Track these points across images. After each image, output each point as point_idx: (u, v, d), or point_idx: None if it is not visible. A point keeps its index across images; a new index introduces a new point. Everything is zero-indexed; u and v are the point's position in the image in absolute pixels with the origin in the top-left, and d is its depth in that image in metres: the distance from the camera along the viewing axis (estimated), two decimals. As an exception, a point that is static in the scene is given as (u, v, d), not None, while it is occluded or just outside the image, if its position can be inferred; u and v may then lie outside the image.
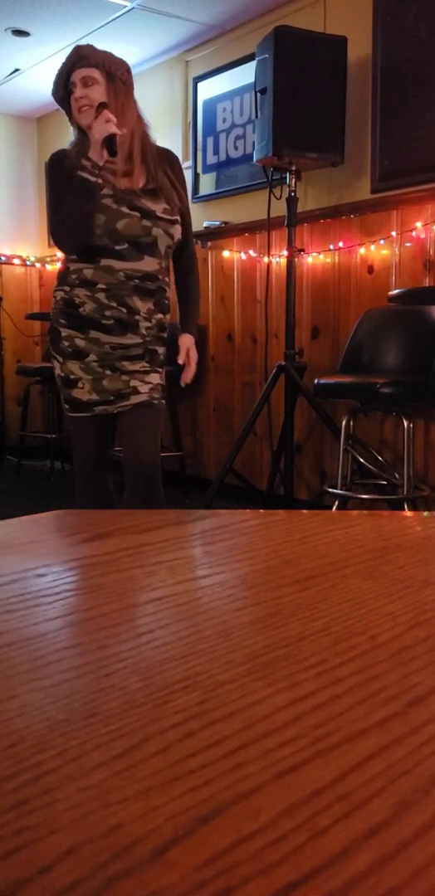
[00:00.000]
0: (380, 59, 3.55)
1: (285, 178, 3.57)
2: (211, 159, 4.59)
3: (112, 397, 2.30)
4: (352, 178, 3.73)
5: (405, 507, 3.17)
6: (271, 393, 3.59)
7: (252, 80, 3.55)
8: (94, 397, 2.30)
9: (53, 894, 0.32)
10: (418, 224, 3.45)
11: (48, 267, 6.05)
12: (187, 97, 4.73)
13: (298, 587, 0.72)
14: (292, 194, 3.54)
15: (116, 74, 2.27)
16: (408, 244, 3.51)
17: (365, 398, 3.20)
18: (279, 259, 4.00)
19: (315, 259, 3.94)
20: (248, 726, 0.46)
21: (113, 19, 4.28)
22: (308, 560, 0.82)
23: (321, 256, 3.91)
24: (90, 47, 2.28)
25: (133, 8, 4.13)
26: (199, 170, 4.64)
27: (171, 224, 2.29)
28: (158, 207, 2.27)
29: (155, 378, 2.35)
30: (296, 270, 3.65)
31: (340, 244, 3.80)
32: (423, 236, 3.45)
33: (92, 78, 2.24)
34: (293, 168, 3.50)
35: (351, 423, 3.36)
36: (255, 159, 3.59)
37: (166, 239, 2.29)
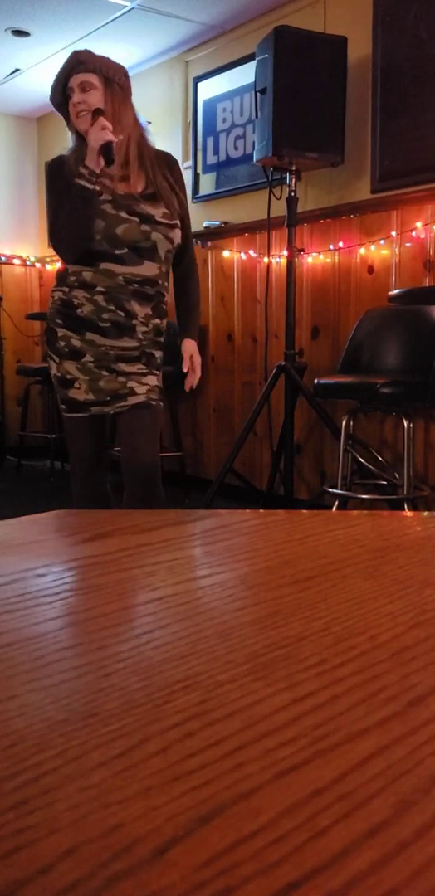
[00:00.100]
0: (380, 59, 3.55)
1: (285, 178, 3.57)
2: (211, 159, 4.59)
3: (108, 398, 2.30)
4: (352, 178, 3.73)
5: (405, 507, 3.17)
6: (271, 393, 3.60)
7: (252, 80, 3.55)
8: (90, 397, 2.30)
9: (53, 894, 0.32)
10: (418, 224, 3.45)
11: (48, 267, 6.05)
12: (187, 97, 4.73)
13: (298, 587, 0.72)
14: (292, 194, 3.54)
15: (114, 79, 2.27)
16: (408, 244, 3.51)
17: (365, 398, 3.20)
18: (279, 259, 4.00)
19: (315, 259, 3.94)
20: (248, 726, 0.46)
21: (113, 19, 4.28)
22: (308, 560, 0.82)
23: (321, 256, 3.91)
24: (88, 52, 2.28)
25: (133, 8, 4.13)
26: (199, 170, 4.64)
27: (170, 228, 2.29)
28: (158, 212, 2.26)
29: (152, 380, 2.35)
30: (296, 270, 3.65)
31: (340, 244, 3.80)
32: (423, 236, 3.45)
33: (89, 83, 2.24)
34: (293, 168, 3.50)
35: (351, 423, 3.36)
36: (255, 159, 3.59)
37: (166, 243, 2.29)
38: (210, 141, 4.59)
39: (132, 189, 2.27)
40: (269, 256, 3.89)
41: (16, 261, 6.08)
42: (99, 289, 2.25)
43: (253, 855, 0.34)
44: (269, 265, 3.95)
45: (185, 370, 2.45)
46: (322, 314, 3.93)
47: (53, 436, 5.41)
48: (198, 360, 2.47)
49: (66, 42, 4.52)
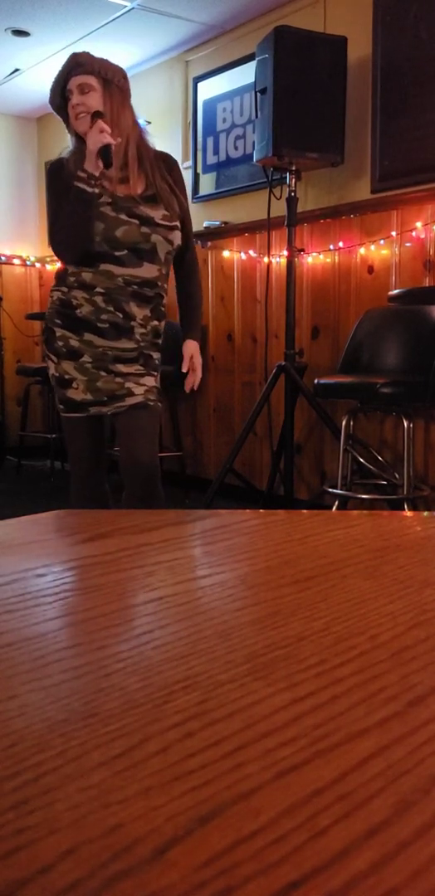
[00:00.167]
0: (380, 59, 3.55)
1: (285, 178, 3.57)
2: (211, 159, 4.59)
3: (106, 398, 2.30)
4: (352, 178, 3.73)
5: (405, 507, 3.17)
6: (271, 393, 3.60)
7: (252, 80, 3.55)
8: (88, 397, 2.30)
9: (53, 894, 0.32)
10: (418, 224, 3.45)
11: (48, 267, 6.05)
12: (187, 97, 4.73)
13: (298, 587, 0.72)
14: (292, 194, 3.54)
15: (113, 81, 2.27)
16: (408, 244, 3.51)
17: (365, 398, 3.20)
18: (279, 259, 4.00)
19: (315, 259, 3.94)
20: (248, 726, 0.46)
21: (113, 19, 4.28)
22: (308, 560, 0.82)
23: (321, 256, 3.91)
24: (87, 54, 2.28)
25: (133, 8, 4.13)
26: (200, 170, 4.64)
27: (170, 230, 2.29)
28: (157, 214, 2.26)
29: (150, 381, 2.35)
30: (296, 270, 3.65)
31: (340, 244, 3.80)
32: (423, 236, 3.45)
33: (88, 85, 2.24)
34: (293, 168, 3.50)
35: (351, 423, 3.36)
36: (255, 159, 3.59)
37: (166, 245, 2.29)
38: (210, 141, 4.59)
39: (132, 191, 2.27)
40: (269, 256, 3.89)
41: (16, 261, 6.08)
42: (98, 290, 2.25)
43: (253, 855, 0.34)
44: (269, 265, 3.95)
45: (184, 371, 2.45)
46: (322, 314, 3.93)
47: (53, 436, 5.41)
48: (198, 360, 2.46)
49: (66, 42, 4.52)
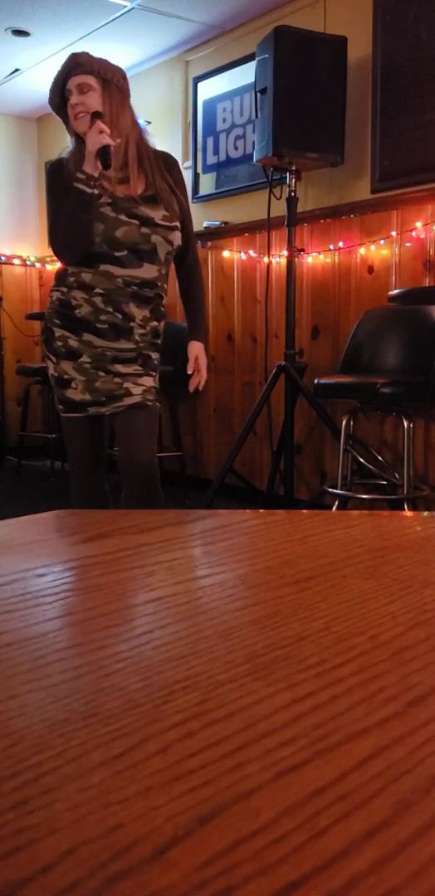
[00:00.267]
0: (380, 59, 3.55)
1: (285, 178, 3.57)
2: (211, 159, 4.59)
3: (104, 398, 2.30)
4: (352, 178, 3.73)
5: (405, 507, 3.17)
6: (271, 393, 3.60)
7: (252, 80, 3.55)
8: (87, 398, 2.30)
9: (53, 894, 0.32)
10: (418, 224, 3.45)
11: (48, 267, 6.05)
12: (187, 97, 4.73)
13: (298, 587, 0.72)
14: (292, 194, 3.54)
15: (112, 81, 2.27)
16: (408, 244, 3.51)
17: (365, 398, 3.20)
18: (279, 259, 4.00)
19: (315, 259, 3.94)
20: (248, 726, 0.46)
21: (113, 19, 4.28)
22: (308, 560, 0.82)
23: (321, 256, 3.91)
24: (86, 54, 2.28)
25: (133, 8, 4.13)
26: (199, 170, 4.64)
27: (170, 231, 2.29)
28: (157, 214, 2.26)
29: (148, 381, 2.35)
30: (296, 270, 3.65)
31: (340, 244, 3.80)
32: (423, 236, 3.45)
33: (88, 85, 2.24)
34: (293, 168, 3.50)
35: (351, 423, 3.36)
36: (255, 159, 3.59)
37: (166, 246, 2.29)
38: (210, 141, 4.59)
39: (132, 191, 2.27)
40: (269, 256, 3.89)
41: (16, 261, 6.08)
42: (97, 290, 2.25)
43: (253, 855, 0.34)
44: (269, 265, 3.95)
45: (190, 372, 2.45)
46: (322, 314, 3.93)
47: (53, 436, 5.40)
48: (204, 361, 2.46)
49: (66, 42, 4.52)
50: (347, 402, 3.45)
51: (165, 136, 4.67)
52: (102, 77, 2.25)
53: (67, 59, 2.28)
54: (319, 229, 3.91)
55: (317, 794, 0.39)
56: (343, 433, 3.28)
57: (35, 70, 5.00)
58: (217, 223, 4.45)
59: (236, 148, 4.43)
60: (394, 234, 3.56)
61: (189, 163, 4.62)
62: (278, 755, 0.43)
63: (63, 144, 2.41)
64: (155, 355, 2.39)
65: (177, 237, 2.33)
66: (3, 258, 6.01)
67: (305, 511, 1.13)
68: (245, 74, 4.20)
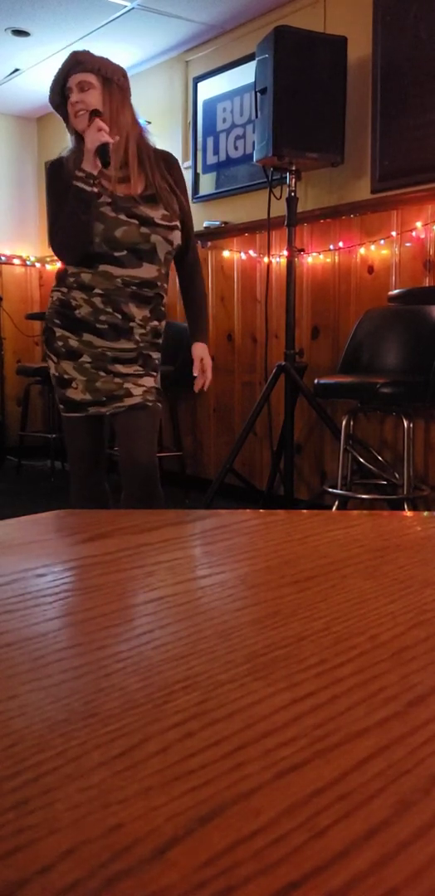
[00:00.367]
0: (380, 59, 3.55)
1: (285, 178, 3.57)
2: (211, 159, 4.59)
3: (105, 398, 2.30)
4: (352, 178, 3.73)
5: (405, 507, 3.17)
6: (271, 393, 3.60)
7: (252, 80, 3.55)
8: (87, 397, 2.30)
9: (53, 894, 0.32)
10: (418, 224, 3.45)
11: (48, 267, 6.05)
12: (187, 97, 4.73)
13: (298, 587, 0.72)
14: (292, 194, 3.54)
15: (113, 79, 2.26)
16: (408, 244, 3.51)
17: (365, 398, 3.20)
18: (279, 259, 4.00)
19: (315, 259, 3.94)
20: (248, 726, 0.46)
21: (113, 19, 4.28)
22: (308, 560, 0.82)
23: (321, 256, 3.91)
24: (87, 52, 2.28)
25: (133, 8, 4.13)
26: (200, 170, 4.64)
27: (169, 230, 2.29)
28: (157, 214, 2.26)
29: (149, 381, 2.35)
30: (296, 270, 3.65)
31: (340, 244, 3.80)
32: (423, 236, 3.45)
33: (88, 83, 2.23)
34: (293, 168, 3.50)
35: (351, 423, 3.36)
36: (255, 159, 3.59)
37: (166, 245, 2.29)
38: (210, 141, 4.59)
39: (132, 191, 2.27)
40: (269, 256, 3.89)
41: (16, 261, 6.08)
42: (97, 291, 2.25)
43: (253, 855, 0.34)
44: (269, 265, 3.95)
45: (195, 374, 2.44)
46: (322, 314, 3.93)
47: (53, 436, 5.41)
48: (208, 363, 2.46)
49: (66, 42, 4.52)
50: (347, 402, 3.45)
51: (165, 136, 4.67)
52: (103, 75, 2.25)
53: (68, 57, 2.28)
54: (319, 229, 3.91)
55: (317, 794, 0.39)
56: (343, 433, 3.28)
57: (35, 70, 5.00)
58: (217, 223, 4.45)
59: (236, 148, 4.43)
60: (394, 234, 3.56)
61: (189, 163, 4.62)
62: (278, 755, 0.43)
63: (63, 144, 2.40)
64: (156, 355, 2.38)
65: (177, 237, 2.32)
66: (3, 258, 6.01)
67: (305, 511, 1.13)
68: (245, 74, 4.20)
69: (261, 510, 1.12)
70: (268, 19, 4.05)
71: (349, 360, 3.43)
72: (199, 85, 4.62)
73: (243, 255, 4.34)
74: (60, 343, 2.30)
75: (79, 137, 2.28)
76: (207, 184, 4.61)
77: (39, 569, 0.80)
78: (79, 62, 2.24)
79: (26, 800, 0.39)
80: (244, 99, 4.33)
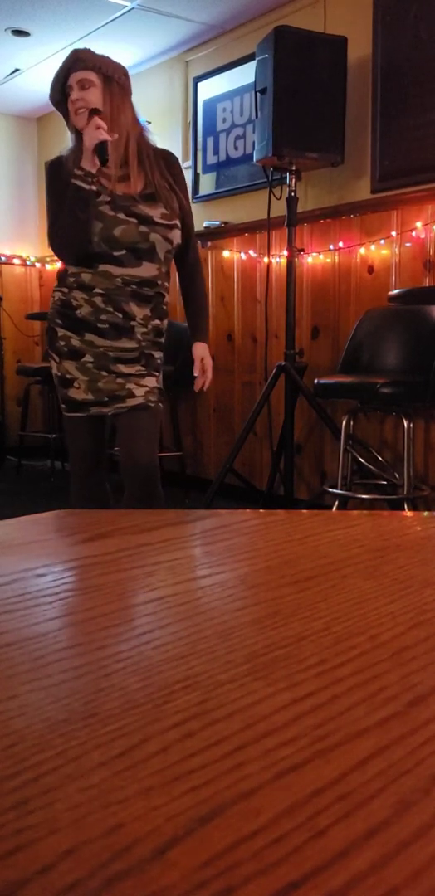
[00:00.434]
0: (380, 59, 3.55)
1: (285, 178, 3.57)
2: (211, 159, 4.59)
3: (107, 398, 2.30)
4: (352, 178, 3.73)
5: (405, 507, 3.17)
6: (271, 393, 3.60)
7: (252, 80, 3.55)
8: (89, 397, 2.30)
9: (53, 894, 0.32)
10: (418, 224, 3.45)
11: (48, 267, 6.05)
12: (187, 97, 4.73)
13: (298, 587, 0.72)
14: (292, 194, 3.54)
15: (113, 78, 2.26)
16: (408, 244, 3.51)
17: (365, 398, 3.20)
18: (279, 259, 4.00)
19: (315, 259, 3.94)
20: (248, 726, 0.46)
21: (113, 19, 4.28)
22: (308, 560, 0.82)
23: (321, 256, 3.91)
24: (87, 51, 2.28)
25: (133, 8, 4.13)
26: (200, 170, 4.64)
27: (169, 229, 2.29)
28: (156, 213, 2.26)
29: (151, 381, 2.35)
30: (296, 270, 3.65)
31: (340, 244, 3.80)
32: (423, 236, 3.45)
33: (89, 81, 2.23)
34: (293, 168, 3.50)
35: (351, 423, 3.36)
36: (255, 159, 3.59)
37: (165, 244, 2.29)
38: (210, 141, 4.59)
39: (131, 189, 2.27)
40: (269, 256, 3.89)
41: (16, 261, 6.08)
42: (97, 290, 2.25)
43: (253, 855, 0.34)
44: (269, 265, 3.95)
45: (196, 374, 2.44)
46: (322, 314, 3.93)
47: (53, 436, 5.41)
48: (209, 362, 2.46)
49: (66, 42, 4.52)
50: (347, 402, 3.45)
51: (165, 136, 4.67)
52: (104, 73, 2.25)
53: (69, 54, 2.28)
54: (319, 229, 3.91)
55: (317, 794, 0.39)
56: (343, 433, 3.28)
57: (35, 70, 5.00)
58: (217, 223, 4.45)
59: (236, 148, 4.43)
60: (394, 234, 3.56)
61: (189, 163, 4.61)
62: (278, 755, 0.43)
63: (63, 144, 2.40)
64: (158, 354, 2.38)
65: (176, 235, 2.32)
66: (3, 258, 6.01)
67: (305, 511, 1.13)
68: (245, 74, 4.20)
69: (261, 510, 1.12)
70: (268, 19, 4.05)
71: (349, 360, 3.43)
72: (199, 85, 4.62)
73: (243, 255, 4.34)
74: (63, 343, 2.30)
75: (79, 135, 2.28)
76: (207, 184, 4.61)
77: (39, 569, 0.80)
78: (80, 60, 2.24)
79: (26, 800, 0.39)
80: (244, 99, 4.33)
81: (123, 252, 2.23)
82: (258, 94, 3.46)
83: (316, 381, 3.21)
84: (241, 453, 3.77)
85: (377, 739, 0.45)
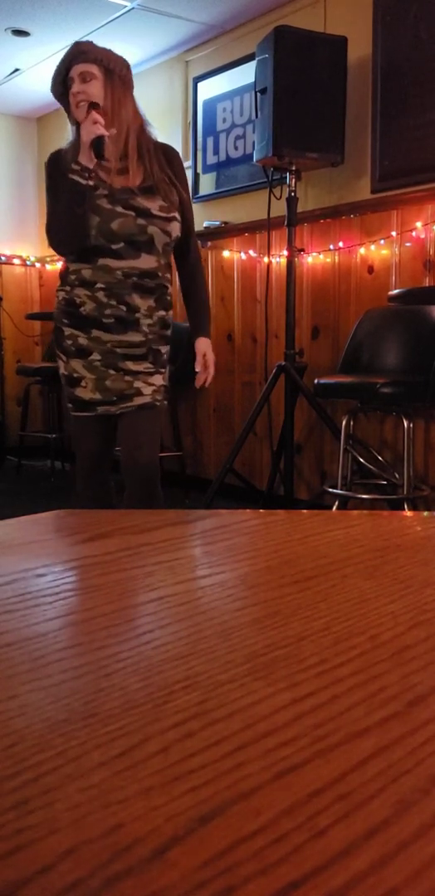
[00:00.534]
0: (380, 59, 3.55)
1: (285, 178, 3.57)
2: (211, 159, 4.59)
3: (115, 398, 2.30)
4: (352, 178, 3.73)
5: (405, 507, 3.17)
6: (271, 393, 3.59)
7: (252, 80, 3.55)
8: (96, 396, 2.30)
9: (53, 894, 0.32)
10: (418, 224, 3.45)
11: (48, 267, 6.05)
12: (187, 97, 4.73)
13: (298, 587, 0.72)
14: (292, 194, 3.54)
15: (115, 71, 2.26)
16: (408, 244, 3.51)
17: (365, 398, 3.20)
18: (279, 259, 4.00)
19: (315, 259, 3.94)
20: (248, 726, 0.46)
21: (113, 19, 4.28)
22: (308, 560, 0.82)
23: (321, 256, 3.91)
24: (90, 43, 2.27)
25: (133, 8, 4.13)
26: (199, 170, 4.64)
27: (167, 222, 2.28)
28: (154, 205, 2.26)
29: (158, 380, 2.34)
30: (296, 270, 3.65)
31: (340, 244, 3.80)
32: (423, 236, 3.45)
33: (90, 73, 2.23)
34: (293, 168, 3.50)
35: (351, 423, 3.36)
36: (255, 159, 3.59)
37: (163, 237, 2.28)
38: (210, 141, 4.59)
39: (130, 183, 2.27)
40: (269, 256, 3.89)
41: (16, 261, 6.08)
42: (99, 285, 2.25)
43: (253, 855, 0.34)
44: (269, 265, 3.95)
45: (198, 369, 2.43)
46: (322, 314, 3.93)
47: (53, 436, 5.41)
48: (211, 358, 2.45)
49: (66, 42, 4.49)
50: (347, 402, 3.45)
51: (165, 136, 4.64)
52: (105, 66, 2.24)
53: (71, 46, 2.27)
54: (319, 229, 3.91)
55: (317, 794, 0.39)
56: (343, 433, 3.28)
57: (35, 70, 5.00)
58: (217, 223, 4.45)
59: (236, 148, 4.43)
60: (394, 234, 3.56)
61: (189, 163, 4.61)
62: (278, 755, 0.43)
63: (63, 145, 2.40)
64: (165, 349, 2.38)
65: (175, 228, 2.31)
66: (3, 258, 6.01)
67: (305, 511, 1.13)
68: (245, 74, 4.20)
69: (261, 510, 1.12)
70: (268, 19, 4.05)
71: (349, 360, 3.43)
72: (199, 85, 4.62)
73: (243, 255, 4.34)
74: (70, 342, 2.30)
75: (79, 128, 2.28)
76: (207, 184, 4.61)
77: (39, 569, 0.80)
78: (82, 52, 2.24)
79: (26, 800, 0.39)
80: (244, 99, 4.33)
81: (121, 245, 2.23)
82: (258, 94, 3.46)
83: (316, 381, 3.21)
84: (241, 453, 3.77)
85: (377, 739, 0.45)
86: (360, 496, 3.36)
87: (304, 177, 3.66)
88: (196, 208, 4.32)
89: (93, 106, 2.21)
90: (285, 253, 3.63)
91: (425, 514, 1.11)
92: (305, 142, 3.40)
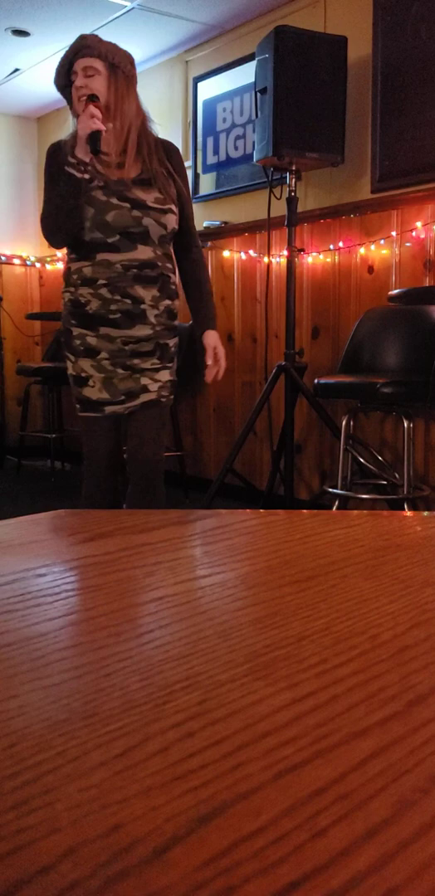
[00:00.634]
0: (380, 59, 3.55)
1: (285, 178, 3.57)
2: (211, 159, 4.59)
3: (123, 397, 2.30)
4: (352, 178, 3.73)
5: (405, 507, 3.17)
6: (271, 393, 3.59)
7: (252, 80, 3.55)
8: (104, 396, 2.30)
9: (53, 894, 0.32)
10: (418, 224, 3.45)
11: (48, 267, 6.05)
12: (187, 97, 4.73)
13: (298, 587, 0.72)
14: (292, 194, 3.54)
15: (119, 66, 2.26)
16: (408, 244, 3.51)
17: (365, 398, 3.20)
18: (279, 259, 4.00)
19: (315, 259, 3.94)
20: (248, 726, 0.46)
21: (113, 19, 4.28)
22: (308, 560, 0.82)
23: (321, 256, 3.91)
24: (95, 37, 2.27)
25: (133, 8, 4.13)
26: (200, 170, 4.64)
27: (162, 214, 2.28)
28: (149, 197, 2.25)
29: (165, 375, 2.34)
30: (296, 270, 3.65)
31: (340, 244, 3.80)
32: (423, 236, 3.45)
33: (94, 68, 2.23)
34: (293, 168, 3.50)
35: (351, 423, 3.36)
36: (255, 159, 3.59)
37: (159, 229, 2.28)
38: (210, 141, 4.59)
39: (126, 175, 2.27)
40: (269, 256, 3.89)
41: (16, 261, 6.08)
42: (101, 281, 2.25)
43: (253, 855, 0.34)
44: (269, 265, 3.95)
45: (209, 362, 2.40)
46: (322, 314, 3.93)
47: (53, 436, 5.41)
48: (221, 351, 2.42)
49: (66, 42, 4.49)
50: (348, 402, 3.45)
51: (165, 136, 4.64)
52: (109, 61, 2.24)
53: (76, 39, 2.27)
54: (319, 229, 3.91)
55: (317, 794, 0.39)
56: (343, 433, 3.28)
57: (35, 70, 5.00)
58: (217, 223, 4.45)
59: (236, 148, 4.43)
60: (394, 234, 3.56)
61: (189, 163, 4.62)
62: (278, 755, 0.43)
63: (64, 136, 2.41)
64: (172, 342, 2.37)
65: (170, 220, 2.31)
66: (3, 258, 6.01)
67: (305, 511, 1.13)
68: (245, 74, 4.20)
69: (261, 510, 1.12)
70: (268, 19, 4.05)
71: (349, 360, 3.43)
72: (200, 85, 4.62)
73: (243, 255, 4.34)
74: (78, 342, 2.30)
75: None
76: (207, 184, 4.61)
77: (39, 569, 0.80)
78: (87, 46, 2.24)
79: (26, 800, 0.39)
80: (244, 99, 4.33)
81: (117, 237, 2.23)
82: (258, 94, 3.46)
83: (316, 381, 3.21)
84: (241, 453, 3.77)
85: (377, 739, 0.44)
86: (360, 496, 3.36)
87: (304, 177, 3.66)
88: (196, 208, 4.32)
89: (91, 98, 2.20)
90: (285, 253, 3.63)
91: (425, 514, 1.11)
92: (305, 142, 3.40)
